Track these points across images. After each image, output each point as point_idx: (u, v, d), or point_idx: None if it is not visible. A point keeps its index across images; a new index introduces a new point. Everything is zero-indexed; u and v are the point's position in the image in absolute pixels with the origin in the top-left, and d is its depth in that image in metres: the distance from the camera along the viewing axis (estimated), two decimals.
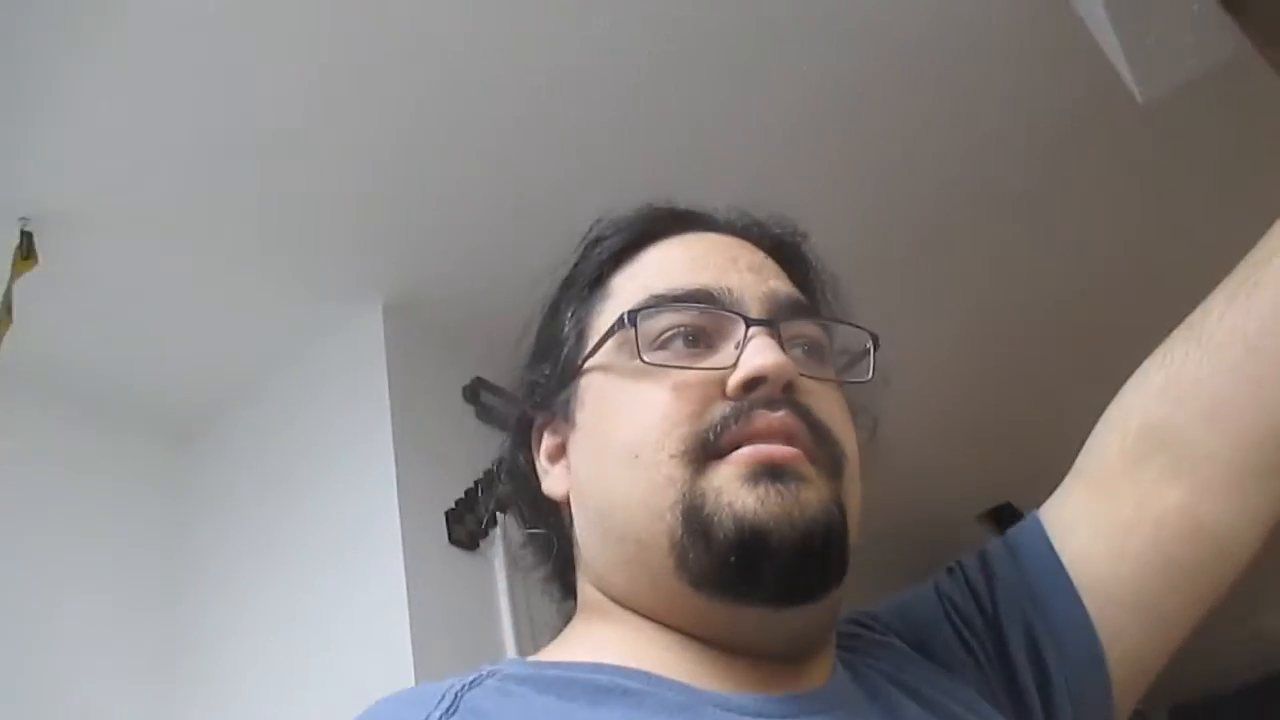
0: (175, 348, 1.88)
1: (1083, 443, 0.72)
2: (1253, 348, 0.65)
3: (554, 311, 0.70)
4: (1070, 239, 2.11)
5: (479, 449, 1.88)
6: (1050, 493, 0.73)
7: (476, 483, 1.83)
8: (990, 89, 1.71)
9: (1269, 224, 0.70)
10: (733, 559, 0.54)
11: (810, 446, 0.58)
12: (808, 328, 0.64)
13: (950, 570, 0.73)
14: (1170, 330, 0.71)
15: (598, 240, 0.70)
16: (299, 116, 1.53)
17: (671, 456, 0.57)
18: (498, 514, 1.82)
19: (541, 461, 0.68)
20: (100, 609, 1.76)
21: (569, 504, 0.65)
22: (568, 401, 0.65)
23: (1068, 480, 0.72)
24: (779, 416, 0.57)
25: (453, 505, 1.75)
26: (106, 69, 1.42)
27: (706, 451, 0.57)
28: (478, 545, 1.76)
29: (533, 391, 0.68)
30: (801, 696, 0.57)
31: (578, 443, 0.64)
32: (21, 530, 1.71)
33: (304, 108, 1.52)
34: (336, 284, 1.82)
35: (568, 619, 0.68)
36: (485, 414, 1.95)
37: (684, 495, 0.56)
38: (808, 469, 0.57)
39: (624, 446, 0.59)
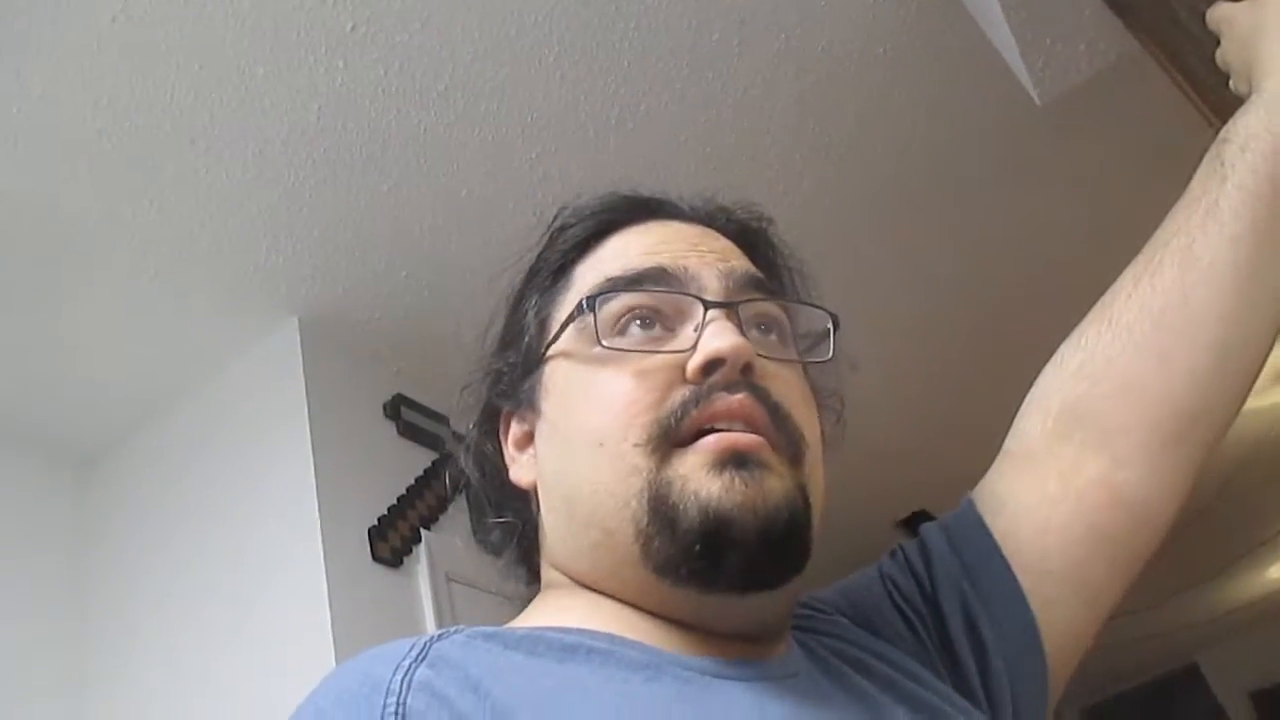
0: (82, 368, 1.81)
1: (998, 448, 0.75)
2: (1158, 324, 0.70)
3: (518, 301, 0.70)
4: (985, 247, 2.18)
5: (401, 465, 1.87)
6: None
7: (399, 499, 1.81)
8: (897, 93, 1.76)
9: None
10: (697, 547, 0.55)
11: (770, 431, 0.58)
12: (768, 308, 0.64)
13: (893, 553, 0.76)
14: None
15: (562, 229, 0.69)
16: (211, 126, 1.50)
17: (635, 445, 0.57)
18: (421, 530, 1.81)
19: (509, 449, 0.68)
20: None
21: (535, 491, 0.65)
22: (533, 389, 0.65)
23: (996, 461, 0.75)
24: (738, 399, 0.57)
25: (375, 522, 1.72)
26: (12, 64, 1.37)
27: (669, 439, 0.57)
28: (401, 562, 1.73)
29: (499, 380, 0.68)
30: (760, 663, 0.58)
31: (543, 431, 0.64)
32: None
33: (218, 118, 1.49)
34: (250, 298, 1.78)
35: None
36: (407, 430, 1.92)
37: (649, 483, 0.56)
38: (770, 456, 0.57)
39: (589, 435, 0.59)
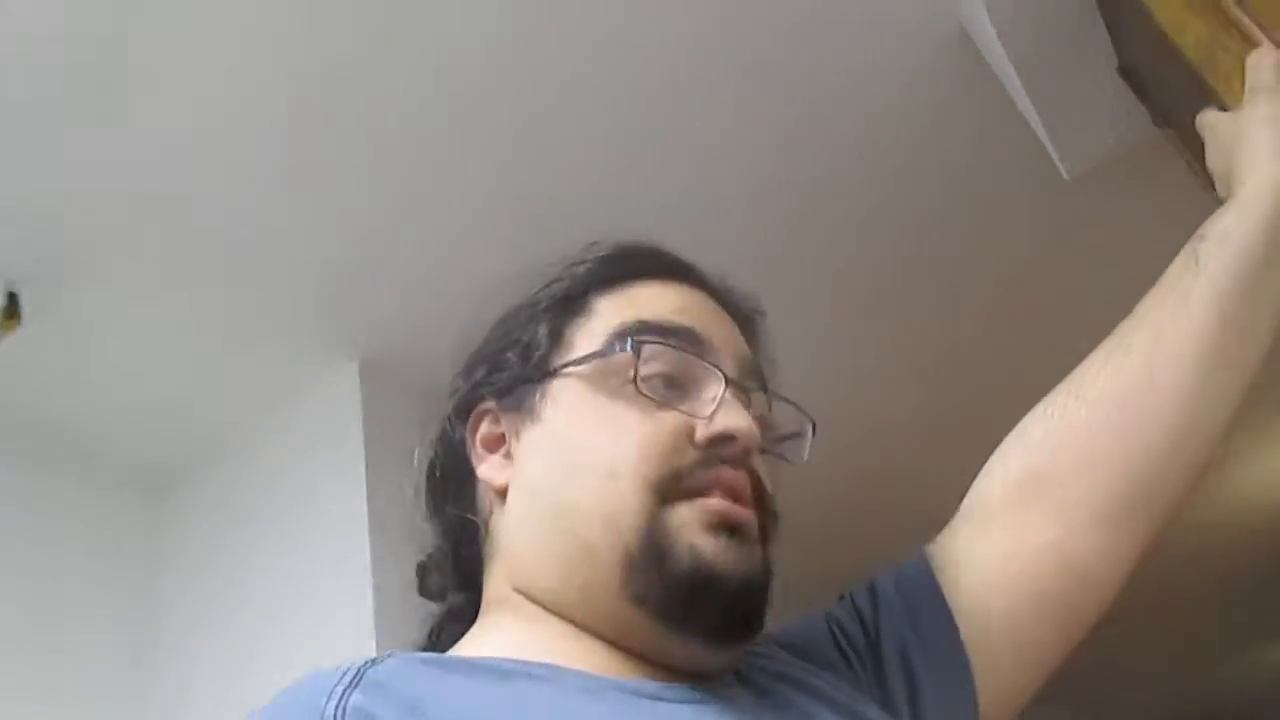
0: (152, 404, 1.89)
1: None
2: (1123, 404, 0.75)
3: (528, 311, 0.74)
4: (1012, 327, 2.15)
5: None
6: None
7: None
8: (929, 164, 1.77)
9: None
10: (683, 591, 0.60)
11: (756, 510, 0.65)
12: (761, 400, 0.71)
13: (841, 598, 0.81)
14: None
15: (585, 260, 0.75)
16: (278, 173, 1.55)
17: (645, 485, 0.62)
18: None
19: (476, 447, 0.71)
20: (66, 663, 1.77)
21: (502, 494, 0.69)
22: (531, 396, 0.69)
23: (954, 520, 0.80)
24: (741, 476, 0.64)
25: (424, 557, 1.78)
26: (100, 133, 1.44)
27: (674, 490, 0.63)
28: (446, 597, 1.78)
29: (488, 377, 0.72)
30: (697, 687, 0.62)
31: (535, 438, 0.68)
32: None
33: (283, 164, 1.53)
34: (313, 341, 1.84)
35: (437, 621, 0.74)
36: None
37: (649, 520, 0.61)
38: (753, 531, 0.64)
39: (601, 461, 0.64)
